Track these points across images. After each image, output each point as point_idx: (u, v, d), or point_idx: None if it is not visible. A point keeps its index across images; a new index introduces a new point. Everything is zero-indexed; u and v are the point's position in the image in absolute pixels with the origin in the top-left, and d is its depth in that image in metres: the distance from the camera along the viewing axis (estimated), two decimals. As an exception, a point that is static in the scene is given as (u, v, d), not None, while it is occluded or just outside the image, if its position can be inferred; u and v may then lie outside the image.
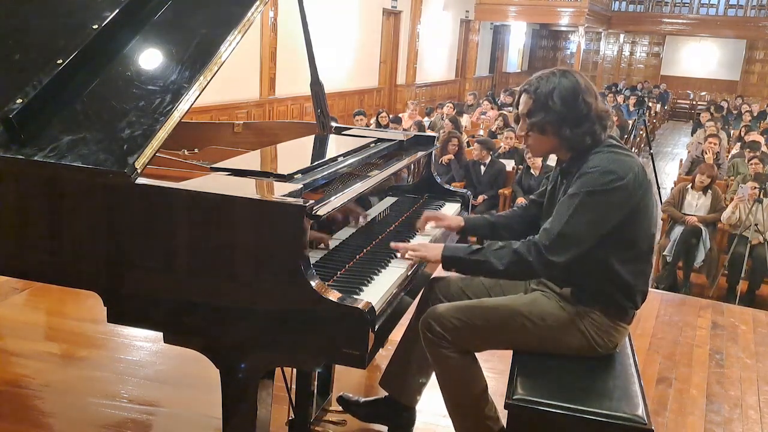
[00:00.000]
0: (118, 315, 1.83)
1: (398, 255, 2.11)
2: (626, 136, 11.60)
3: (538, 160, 6.49)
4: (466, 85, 17.20)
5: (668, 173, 11.17)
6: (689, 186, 6.22)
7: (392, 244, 2.14)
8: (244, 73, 9.02)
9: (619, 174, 1.94)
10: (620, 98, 15.33)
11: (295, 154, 2.49)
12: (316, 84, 2.89)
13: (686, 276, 6.10)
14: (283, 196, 1.72)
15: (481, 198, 6.73)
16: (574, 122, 2.00)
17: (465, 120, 10.64)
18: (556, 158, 2.18)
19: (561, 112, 1.99)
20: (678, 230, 6.00)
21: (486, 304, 2.17)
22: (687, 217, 5.97)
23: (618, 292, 2.06)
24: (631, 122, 12.17)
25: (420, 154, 2.84)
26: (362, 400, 2.55)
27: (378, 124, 8.61)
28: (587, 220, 1.93)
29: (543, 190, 2.31)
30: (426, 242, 2.22)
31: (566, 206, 1.96)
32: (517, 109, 2.13)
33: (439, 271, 2.47)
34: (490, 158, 6.97)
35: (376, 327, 1.70)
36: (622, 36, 22.56)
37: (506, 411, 1.93)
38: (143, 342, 3.26)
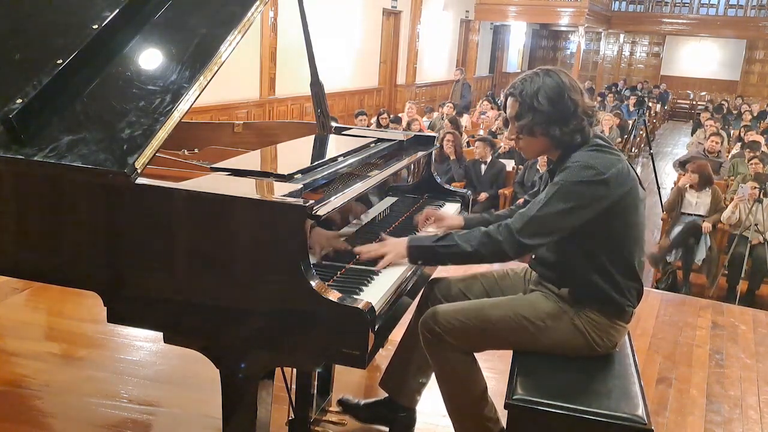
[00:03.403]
0: (118, 315, 1.83)
1: (358, 258, 2.05)
2: (626, 136, 11.58)
3: (544, 156, 6.43)
4: (466, 85, 17.18)
5: (668, 173, 11.17)
6: (687, 185, 6.22)
7: (355, 249, 2.07)
8: (244, 73, 9.02)
9: (599, 169, 1.95)
10: (610, 98, 15.32)
11: (295, 154, 2.49)
12: (316, 84, 2.88)
13: (686, 276, 6.10)
14: (283, 196, 1.72)
15: (483, 195, 6.73)
16: (562, 121, 2.00)
17: (465, 120, 10.64)
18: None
19: (548, 111, 1.99)
20: (677, 230, 6.00)
21: (485, 304, 2.17)
22: (703, 225, 5.91)
23: (612, 291, 2.06)
24: (631, 122, 12.15)
25: (420, 154, 2.84)
26: (362, 402, 2.55)
27: (378, 125, 8.61)
28: (560, 208, 1.95)
29: (535, 191, 2.32)
30: (388, 238, 2.16)
31: (544, 194, 1.99)
32: (505, 112, 2.13)
33: (438, 272, 2.48)
34: (490, 158, 6.97)
35: (376, 327, 1.70)
36: (622, 36, 22.55)
37: (506, 411, 1.93)
38: (143, 342, 3.26)
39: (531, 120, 2.02)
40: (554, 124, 2.00)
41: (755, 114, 14.85)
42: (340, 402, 2.56)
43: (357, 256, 2.07)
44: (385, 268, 2.02)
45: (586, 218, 1.96)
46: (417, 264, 2.10)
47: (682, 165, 7.90)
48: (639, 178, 2.09)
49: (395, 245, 2.07)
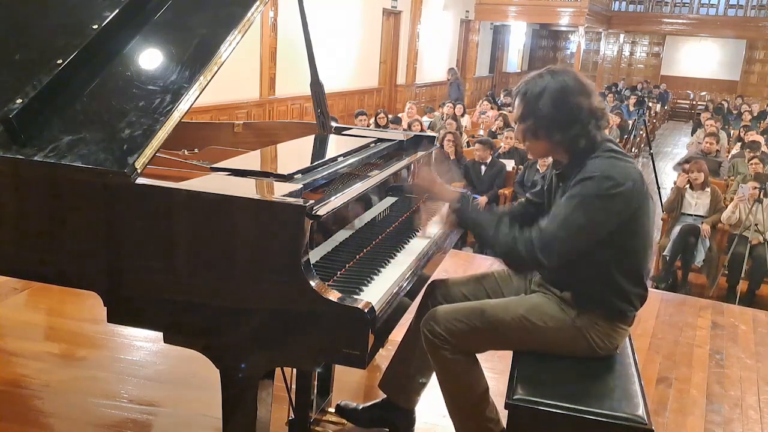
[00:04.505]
0: (118, 315, 1.83)
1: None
2: (626, 136, 11.59)
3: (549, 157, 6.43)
4: (466, 84, 17.19)
5: (668, 173, 11.17)
6: (687, 185, 6.22)
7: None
8: (244, 73, 9.02)
9: (618, 180, 1.92)
10: (610, 98, 15.32)
11: (295, 154, 2.49)
12: (316, 84, 2.89)
13: (685, 276, 6.09)
14: (283, 196, 1.72)
15: (483, 199, 6.74)
16: (565, 125, 1.98)
17: (465, 120, 10.64)
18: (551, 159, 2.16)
19: (549, 116, 1.97)
20: (677, 230, 6.01)
21: (487, 305, 2.17)
22: (702, 229, 5.92)
23: (616, 298, 2.06)
24: (631, 122, 12.17)
25: (420, 154, 2.84)
26: (360, 406, 2.54)
27: (376, 125, 8.61)
28: (582, 225, 1.92)
29: (539, 190, 2.30)
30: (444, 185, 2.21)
31: (563, 209, 1.95)
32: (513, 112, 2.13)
33: (438, 273, 2.48)
34: (490, 158, 6.97)
35: (376, 327, 1.69)
36: (622, 36, 22.55)
37: (506, 411, 1.93)
38: (143, 342, 3.26)
39: (533, 123, 2.01)
40: (556, 128, 1.98)
41: (755, 114, 14.83)
42: (338, 408, 2.55)
43: (358, 256, 2.07)
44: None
45: (606, 232, 1.95)
46: (456, 211, 2.14)
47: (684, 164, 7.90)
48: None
49: (446, 191, 2.15)
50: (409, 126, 8.40)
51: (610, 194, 1.91)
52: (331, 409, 2.57)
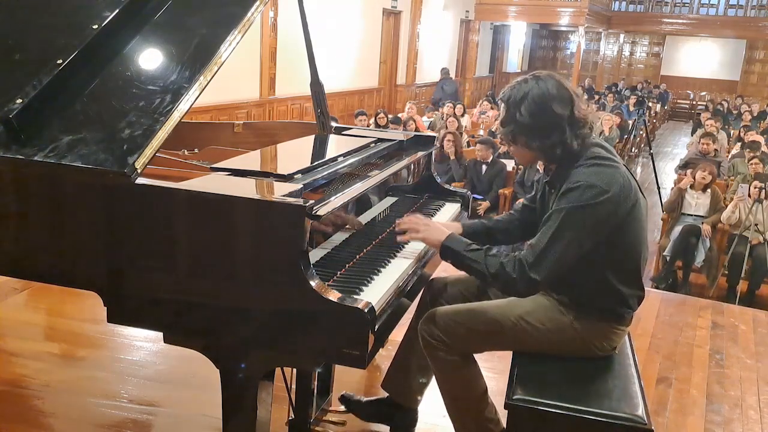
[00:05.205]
0: (118, 315, 1.83)
1: (399, 234, 2.15)
2: (626, 136, 11.60)
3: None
4: (466, 84, 17.19)
5: (668, 173, 11.17)
6: (688, 186, 6.22)
7: (398, 220, 2.18)
8: (244, 73, 9.02)
9: (601, 187, 1.91)
10: (610, 98, 15.29)
11: (295, 154, 2.49)
12: (316, 84, 2.88)
13: (685, 276, 6.09)
14: (283, 196, 1.72)
15: (484, 204, 6.74)
16: (542, 133, 1.97)
17: (465, 120, 10.64)
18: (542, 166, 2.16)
19: (528, 123, 1.97)
20: (678, 230, 6.01)
21: (485, 306, 2.17)
22: (703, 229, 5.92)
23: (613, 300, 2.06)
24: (631, 122, 12.17)
25: (420, 154, 2.84)
26: (364, 399, 2.55)
27: (376, 125, 8.60)
28: (569, 239, 1.92)
29: (533, 196, 2.31)
30: (432, 222, 2.19)
31: (550, 223, 1.95)
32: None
33: (438, 273, 2.48)
34: (491, 158, 6.97)
35: (376, 327, 1.70)
36: (622, 36, 22.55)
37: (506, 411, 1.93)
38: (143, 342, 3.26)
39: (513, 129, 2.01)
40: (534, 135, 1.98)
41: (755, 114, 14.84)
42: (342, 398, 2.55)
43: (358, 256, 2.07)
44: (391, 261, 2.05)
45: (596, 241, 1.95)
46: (446, 261, 2.11)
47: (685, 168, 7.90)
48: (638, 183, 2.07)
49: (434, 233, 2.10)
50: (404, 125, 8.39)
51: (594, 203, 1.91)
52: (332, 409, 2.57)
